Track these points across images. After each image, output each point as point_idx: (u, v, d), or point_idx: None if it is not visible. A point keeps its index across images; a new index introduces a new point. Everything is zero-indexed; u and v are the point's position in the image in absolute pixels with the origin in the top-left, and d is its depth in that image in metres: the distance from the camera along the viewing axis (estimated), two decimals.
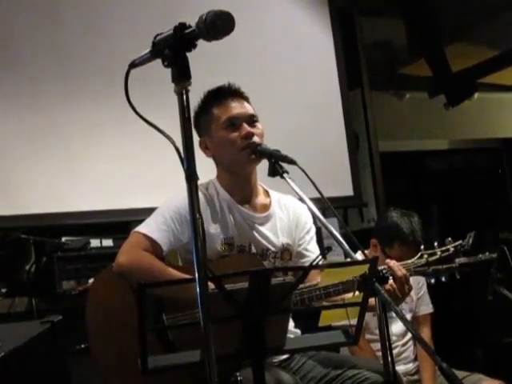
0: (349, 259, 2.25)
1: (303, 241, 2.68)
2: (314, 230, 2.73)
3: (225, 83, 2.62)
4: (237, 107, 2.55)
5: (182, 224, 2.47)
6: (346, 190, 4.87)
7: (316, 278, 2.40)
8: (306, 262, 2.63)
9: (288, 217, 2.67)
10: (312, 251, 2.67)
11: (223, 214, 2.56)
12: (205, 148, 2.61)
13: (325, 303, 2.39)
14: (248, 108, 2.58)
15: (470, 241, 2.66)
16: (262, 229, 2.59)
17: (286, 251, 2.62)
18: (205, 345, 1.53)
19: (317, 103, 4.84)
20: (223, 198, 2.58)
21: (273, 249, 2.59)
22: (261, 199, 2.66)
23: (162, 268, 2.41)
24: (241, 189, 2.62)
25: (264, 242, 2.58)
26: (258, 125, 2.56)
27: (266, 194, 2.70)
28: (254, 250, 2.56)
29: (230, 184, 2.61)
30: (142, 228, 2.48)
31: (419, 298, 3.59)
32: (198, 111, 2.62)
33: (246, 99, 2.62)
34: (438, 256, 2.60)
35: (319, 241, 2.79)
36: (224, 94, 2.59)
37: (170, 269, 2.41)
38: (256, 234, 2.58)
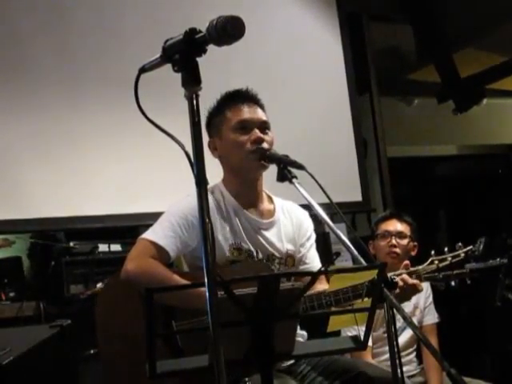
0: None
1: (304, 248, 2.69)
2: (314, 237, 2.74)
3: (243, 87, 2.63)
4: (250, 112, 2.56)
5: (189, 229, 2.46)
6: (355, 195, 4.86)
7: (319, 285, 2.40)
8: (305, 269, 2.64)
9: (291, 223, 2.68)
10: (311, 259, 2.69)
11: (230, 218, 2.56)
12: (213, 149, 2.61)
13: (333, 309, 2.39)
14: (261, 114, 2.59)
15: (481, 246, 2.64)
16: (268, 234, 2.60)
17: (289, 257, 2.63)
18: (213, 349, 1.52)
19: (325, 108, 4.84)
20: (229, 203, 2.58)
21: (278, 255, 2.59)
22: (266, 205, 2.67)
23: (169, 276, 2.39)
24: (247, 193, 2.62)
25: (269, 247, 2.58)
26: (269, 132, 2.57)
27: (270, 200, 2.71)
28: (260, 255, 2.56)
29: (236, 188, 2.61)
30: (148, 235, 2.47)
31: (425, 308, 3.58)
32: (211, 111, 2.63)
33: (261, 106, 2.63)
34: (448, 262, 2.58)
35: (327, 246, 2.79)
36: (240, 97, 2.60)
37: (176, 276, 2.39)
38: (262, 240, 2.58)
